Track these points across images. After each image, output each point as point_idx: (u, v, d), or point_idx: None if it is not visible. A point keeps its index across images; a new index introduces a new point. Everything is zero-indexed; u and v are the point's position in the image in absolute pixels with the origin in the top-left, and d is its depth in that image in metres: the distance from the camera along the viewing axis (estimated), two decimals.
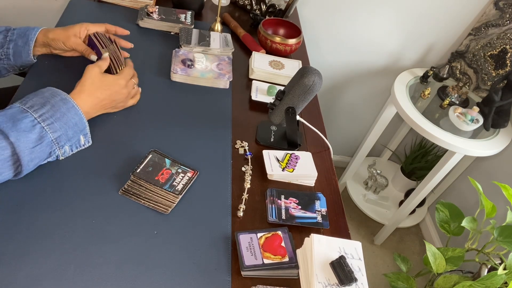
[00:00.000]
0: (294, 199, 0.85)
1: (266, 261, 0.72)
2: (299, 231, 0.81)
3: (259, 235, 0.76)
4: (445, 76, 1.67)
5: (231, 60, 1.15)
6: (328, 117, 2.08)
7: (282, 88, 0.97)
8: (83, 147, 0.82)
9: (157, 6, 1.26)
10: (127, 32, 1.03)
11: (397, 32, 1.73)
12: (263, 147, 0.97)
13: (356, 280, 0.70)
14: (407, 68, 1.79)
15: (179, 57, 1.10)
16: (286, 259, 0.73)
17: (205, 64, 1.11)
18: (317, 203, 0.86)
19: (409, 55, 1.81)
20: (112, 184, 0.78)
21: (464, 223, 1.27)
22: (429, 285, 1.41)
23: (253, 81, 1.15)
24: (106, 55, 0.89)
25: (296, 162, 0.92)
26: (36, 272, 0.64)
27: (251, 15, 1.40)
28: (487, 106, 1.51)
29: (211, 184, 0.84)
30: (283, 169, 0.90)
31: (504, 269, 1.18)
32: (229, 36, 1.25)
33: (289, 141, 0.99)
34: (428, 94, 1.61)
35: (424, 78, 1.69)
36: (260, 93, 1.11)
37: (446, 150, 1.51)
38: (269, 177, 0.90)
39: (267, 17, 1.40)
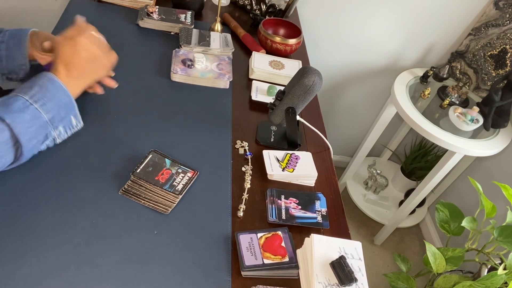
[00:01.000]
0: (294, 199, 0.85)
1: (266, 261, 0.72)
2: (299, 231, 0.81)
3: (259, 235, 0.76)
4: (445, 76, 1.67)
5: (231, 60, 1.15)
6: (328, 117, 2.08)
7: (282, 88, 0.97)
8: (76, 129, 0.81)
9: (157, 6, 1.26)
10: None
11: (397, 32, 1.73)
12: (263, 147, 0.97)
13: (356, 280, 0.70)
14: (407, 68, 1.79)
15: (179, 57, 1.10)
16: (286, 259, 0.73)
17: (205, 64, 1.11)
18: (317, 203, 0.86)
19: (409, 55, 1.81)
20: (112, 184, 0.78)
21: (464, 223, 1.27)
22: (429, 285, 1.41)
23: (253, 81, 1.15)
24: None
25: (296, 162, 0.92)
26: (36, 272, 0.64)
27: (251, 15, 1.40)
28: (487, 106, 1.51)
29: (211, 184, 0.84)
30: (283, 169, 0.90)
31: (504, 269, 1.18)
32: (229, 36, 1.25)
33: (289, 141, 0.99)
34: (428, 94, 1.61)
35: (424, 78, 1.69)
36: (260, 93, 1.11)
37: (446, 150, 1.51)
38: (269, 177, 0.90)
39: (267, 17, 1.40)
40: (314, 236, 0.75)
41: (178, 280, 0.68)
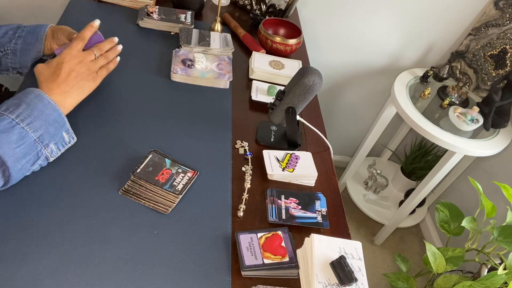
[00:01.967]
0: (294, 199, 0.85)
1: (266, 261, 0.72)
2: (299, 231, 0.81)
3: (259, 235, 0.76)
4: (445, 76, 1.67)
5: (231, 60, 1.15)
6: (328, 117, 2.08)
7: (282, 88, 0.97)
8: (69, 145, 0.81)
9: (157, 6, 1.26)
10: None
11: (397, 32, 1.73)
12: (263, 147, 0.97)
13: (356, 280, 0.70)
14: (407, 68, 1.79)
15: (179, 57, 1.10)
16: (286, 259, 0.73)
17: (205, 64, 1.11)
18: (317, 203, 0.86)
19: (409, 55, 1.81)
20: (112, 184, 0.78)
21: (464, 223, 1.27)
22: (429, 285, 1.41)
23: (253, 81, 1.15)
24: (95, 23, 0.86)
25: (296, 162, 0.92)
26: (36, 272, 0.64)
27: (251, 15, 1.40)
28: (487, 106, 1.51)
29: (211, 184, 0.84)
30: (283, 169, 0.90)
31: (504, 269, 1.18)
32: (229, 36, 1.25)
33: (289, 141, 0.99)
34: (428, 94, 1.61)
35: (424, 78, 1.69)
36: (260, 93, 1.11)
37: (446, 150, 1.51)
38: (269, 177, 0.90)
39: (267, 17, 1.40)
40: (314, 236, 0.75)
41: (178, 280, 0.68)
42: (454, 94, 1.61)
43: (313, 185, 0.92)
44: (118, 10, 1.26)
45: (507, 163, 1.63)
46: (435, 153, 1.96)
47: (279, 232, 0.77)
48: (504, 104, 1.48)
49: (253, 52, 1.23)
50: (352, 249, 0.75)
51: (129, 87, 1.00)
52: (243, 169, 0.90)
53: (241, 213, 0.81)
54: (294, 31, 1.31)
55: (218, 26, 1.27)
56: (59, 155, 0.78)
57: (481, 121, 1.49)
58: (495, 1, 1.57)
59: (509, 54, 1.55)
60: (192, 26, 1.24)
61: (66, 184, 0.76)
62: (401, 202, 1.93)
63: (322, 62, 1.83)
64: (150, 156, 0.83)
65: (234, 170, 0.89)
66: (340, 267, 0.70)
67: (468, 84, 1.71)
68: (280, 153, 0.93)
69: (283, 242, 0.75)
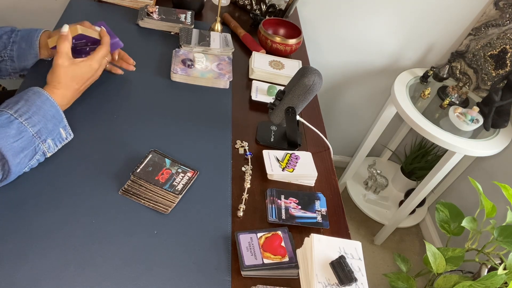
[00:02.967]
0: (294, 199, 0.85)
1: (266, 261, 0.72)
2: (299, 231, 0.81)
3: (259, 235, 0.76)
4: (445, 76, 1.67)
5: (231, 60, 1.15)
6: (328, 117, 2.08)
7: (282, 88, 0.97)
8: (66, 141, 0.81)
9: (157, 6, 1.26)
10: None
11: (397, 32, 1.73)
12: (263, 147, 0.97)
13: (356, 280, 0.70)
14: (407, 68, 1.79)
15: (179, 57, 1.10)
16: (286, 259, 0.73)
17: (205, 64, 1.11)
18: (317, 203, 0.86)
19: (409, 55, 1.81)
20: (112, 184, 0.78)
21: (464, 223, 1.27)
22: (429, 285, 1.41)
23: (253, 81, 1.15)
24: (64, 29, 0.82)
25: (296, 162, 0.92)
26: (36, 272, 0.64)
27: (251, 15, 1.40)
28: (487, 106, 1.51)
29: (211, 184, 0.84)
30: (283, 169, 0.90)
31: (504, 269, 1.18)
32: (229, 36, 1.25)
33: (289, 141, 0.99)
34: (428, 94, 1.61)
35: (424, 78, 1.69)
36: (260, 93, 1.11)
37: (446, 150, 1.51)
38: (269, 177, 0.90)
39: (267, 17, 1.40)
40: (314, 236, 0.75)
41: (178, 280, 0.68)
42: (454, 94, 1.61)
43: (313, 185, 0.92)
44: (118, 10, 1.26)
45: (507, 163, 1.63)
46: (435, 153, 1.96)
47: (279, 232, 0.77)
48: (504, 104, 1.48)
49: (253, 52, 1.23)
50: (352, 249, 0.75)
51: (129, 87, 1.00)
52: (243, 169, 0.90)
53: (241, 213, 0.81)
54: (294, 31, 1.31)
55: (218, 26, 1.27)
56: (56, 151, 0.79)
57: (481, 121, 1.49)
58: (495, 1, 1.57)
59: (509, 54, 1.55)
60: (192, 26, 1.24)
61: (66, 184, 0.76)
62: (401, 202, 1.93)
63: (322, 62, 1.83)
64: (150, 156, 0.83)
65: (234, 170, 0.89)
66: (340, 267, 0.70)
67: (468, 84, 1.71)
68: (280, 153, 0.93)
69: (283, 242, 0.75)
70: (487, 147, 1.47)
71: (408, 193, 1.90)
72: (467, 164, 1.80)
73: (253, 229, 0.78)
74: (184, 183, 0.80)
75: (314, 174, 0.91)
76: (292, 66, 1.22)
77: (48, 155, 0.78)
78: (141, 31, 1.20)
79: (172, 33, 1.24)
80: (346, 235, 0.83)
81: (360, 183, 2.10)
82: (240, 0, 1.47)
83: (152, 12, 1.23)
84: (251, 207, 0.83)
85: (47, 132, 0.75)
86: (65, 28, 0.82)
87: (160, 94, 1.01)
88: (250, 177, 0.89)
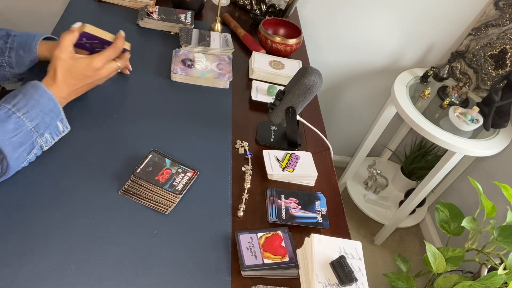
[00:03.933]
0: (294, 199, 0.85)
1: (266, 261, 0.72)
2: (299, 231, 0.81)
3: (259, 235, 0.76)
4: (445, 76, 1.67)
5: (231, 60, 1.15)
6: (328, 117, 2.08)
7: (282, 88, 0.97)
8: (63, 134, 0.81)
9: (157, 6, 1.26)
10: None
11: (397, 32, 1.73)
12: (263, 147, 0.97)
13: (356, 280, 0.70)
14: (407, 68, 1.79)
15: (179, 57, 1.10)
16: (286, 259, 0.73)
17: (205, 64, 1.11)
18: (317, 203, 0.86)
19: (409, 55, 1.81)
20: (112, 184, 0.78)
21: (464, 223, 1.27)
22: (429, 285, 1.41)
23: (253, 81, 1.15)
24: (75, 25, 0.82)
25: (296, 162, 0.92)
26: (36, 272, 0.64)
27: (251, 15, 1.40)
28: (487, 106, 1.51)
29: (211, 184, 0.84)
30: (283, 169, 0.90)
31: (504, 269, 1.18)
32: (229, 36, 1.25)
33: (289, 141, 0.99)
34: (428, 94, 1.61)
35: (424, 78, 1.69)
36: (260, 93, 1.11)
37: (446, 150, 1.51)
38: (269, 177, 0.90)
39: (267, 17, 1.40)
40: (314, 236, 0.75)
41: (178, 280, 0.68)
42: (454, 94, 1.61)
43: (313, 185, 0.92)
44: (118, 10, 1.26)
45: (507, 163, 1.63)
46: (435, 153, 1.96)
47: (279, 232, 0.77)
48: (504, 104, 1.48)
49: (253, 52, 1.23)
50: (352, 249, 0.75)
51: (129, 87, 1.00)
52: (243, 169, 0.90)
53: (241, 213, 0.81)
54: (294, 31, 1.31)
55: (218, 26, 1.27)
56: (53, 144, 0.79)
57: (481, 121, 1.49)
58: (495, 1, 1.57)
59: (509, 54, 1.55)
60: (192, 26, 1.24)
61: (66, 184, 0.76)
62: (401, 202, 1.93)
63: (322, 62, 1.83)
64: (150, 156, 0.83)
65: (234, 170, 0.89)
66: (340, 267, 0.70)
67: (468, 84, 1.71)
68: (280, 153, 0.93)
69: (283, 242, 0.75)
70: (487, 147, 1.47)
71: (408, 193, 1.90)
72: (467, 164, 1.80)
73: (253, 229, 0.78)
74: (184, 183, 0.80)
75: (314, 174, 0.91)
76: (292, 66, 1.22)
77: (45, 148, 0.78)
78: (141, 31, 1.20)
79: (172, 33, 1.24)
80: (346, 235, 0.83)
81: (360, 183, 2.10)
82: (240, 0, 1.47)
83: (152, 12, 1.23)
84: (251, 207, 0.83)
85: (44, 126, 0.75)
86: (76, 24, 0.82)
87: (160, 94, 1.01)
88: (250, 177, 0.89)
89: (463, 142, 1.44)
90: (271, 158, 0.92)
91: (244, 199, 0.83)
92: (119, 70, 0.94)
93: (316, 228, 0.82)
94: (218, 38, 1.22)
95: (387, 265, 1.94)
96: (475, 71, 1.68)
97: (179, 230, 0.75)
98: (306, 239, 0.77)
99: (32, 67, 0.94)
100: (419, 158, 1.96)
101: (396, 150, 2.17)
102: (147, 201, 0.77)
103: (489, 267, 1.37)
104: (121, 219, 0.73)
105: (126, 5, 1.29)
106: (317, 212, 0.84)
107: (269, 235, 0.76)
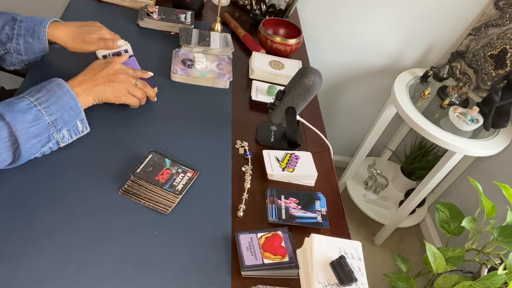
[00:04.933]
0: (294, 199, 0.85)
1: (266, 261, 0.72)
2: (299, 231, 0.81)
3: (259, 235, 0.76)
4: (445, 76, 1.67)
5: (231, 60, 1.15)
6: (328, 117, 2.08)
7: (282, 88, 0.97)
8: (83, 134, 0.83)
9: (157, 6, 1.26)
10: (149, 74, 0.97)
11: (397, 32, 1.73)
12: (263, 147, 0.97)
13: (356, 280, 0.70)
14: (407, 68, 1.79)
15: (179, 57, 1.10)
16: (286, 259, 0.73)
17: (205, 64, 1.11)
18: (317, 203, 0.86)
19: (409, 55, 1.81)
20: (112, 184, 0.78)
21: (464, 223, 1.27)
22: (429, 285, 1.41)
23: (253, 81, 1.15)
24: (120, 43, 0.96)
25: (296, 162, 0.92)
26: (36, 272, 0.64)
27: (251, 15, 1.40)
28: (487, 106, 1.51)
29: (211, 184, 0.84)
30: (283, 169, 0.90)
31: (504, 269, 1.18)
32: (229, 36, 1.25)
33: (289, 141, 0.99)
34: (428, 94, 1.61)
35: (424, 78, 1.69)
36: (260, 93, 1.11)
37: (446, 150, 1.51)
38: (269, 177, 0.90)
39: (267, 17, 1.40)
40: (314, 236, 0.75)
41: (178, 280, 0.68)
42: (454, 94, 1.61)
43: (313, 185, 0.92)
44: (118, 10, 1.26)
45: (507, 163, 1.63)
46: (435, 153, 1.96)
47: (279, 232, 0.77)
48: (504, 104, 1.48)
49: (253, 52, 1.23)
50: (352, 249, 0.75)
51: None
52: (243, 169, 0.90)
53: (241, 213, 0.81)
54: (294, 31, 1.31)
55: (218, 26, 1.27)
56: (70, 141, 0.81)
57: (481, 121, 1.49)
58: (495, 1, 1.57)
59: (509, 54, 1.55)
60: (192, 26, 1.24)
61: (66, 184, 0.76)
62: (401, 202, 1.93)
63: (322, 62, 1.83)
64: (150, 156, 0.83)
65: (234, 170, 0.89)
66: (340, 267, 0.70)
67: (468, 84, 1.71)
68: (280, 153, 0.93)
69: (283, 242, 0.75)
70: (487, 147, 1.47)
71: (408, 193, 1.90)
72: (467, 164, 1.80)
73: (253, 229, 0.78)
74: (184, 183, 0.80)
75: (314, 174, 0.91)
76: (292, 66, 1.22)
77: (62, 145, 0.79)
78: (141, 31, 1.20)
79: (172, 33, 1.24)
80: (346, 235, 0.83)
81: (360, 183, 2.10)
82: (240, 0, 1.47)
83: (152, 12, 1.23)
84: (251, 207, 0.83)
85: (63, 122, 0.77)
86: (121, 42, 0.97)
87: (160, 94, 1.01)
88: (250, 177, 0.89)
89: (463, 142, 1.44)
90: (271, 158, 0.92)
91: (244, 199, 0.83)
92: (143, 96, 0.94)
93: (316, 228, 0.82)
94: (218, 38, 1.22)
95: (387, 265, 1.94)
96: (475, 71, 1.68)
97: (179, 230, 0.75)
98: (306, 239, 0.77)
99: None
100: (419, 158, 1.96)
101: (396, 150, 2.17)
102: (147, 201, 0.77)
103: (489, 267, 1.37)
104: (121, 219, 0.73)
105: (126, 5, 1.29)
106: (317, 212, 0.84)
107: (269, 235, 0.76)
